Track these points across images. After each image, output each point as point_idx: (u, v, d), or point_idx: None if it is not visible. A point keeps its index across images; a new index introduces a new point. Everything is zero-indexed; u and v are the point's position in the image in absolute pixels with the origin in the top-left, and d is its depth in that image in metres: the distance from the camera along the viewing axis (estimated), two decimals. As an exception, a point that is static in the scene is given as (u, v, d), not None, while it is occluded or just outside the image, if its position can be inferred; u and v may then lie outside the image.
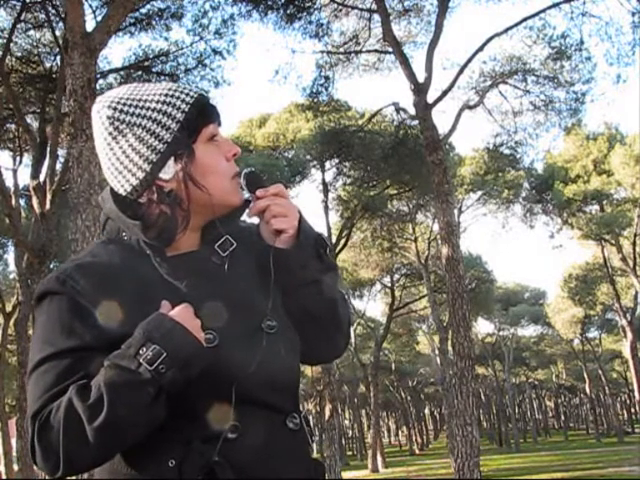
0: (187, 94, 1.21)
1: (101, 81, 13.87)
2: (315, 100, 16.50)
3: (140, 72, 14.23)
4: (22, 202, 16.42)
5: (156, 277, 1.15)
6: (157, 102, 1.19)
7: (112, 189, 1.21)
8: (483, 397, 51.33)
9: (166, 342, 1.03)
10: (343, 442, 44.64)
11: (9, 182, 15.32)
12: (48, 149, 12.52)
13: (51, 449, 1.05)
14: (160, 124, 1.17)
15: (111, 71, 14.29)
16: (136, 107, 1.19)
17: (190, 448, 1.07)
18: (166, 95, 1.20)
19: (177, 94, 1.20)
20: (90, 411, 1.01)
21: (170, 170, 1.17)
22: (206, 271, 1.20)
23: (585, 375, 43.19)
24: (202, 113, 1.20)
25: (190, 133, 1.18)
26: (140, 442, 1.07)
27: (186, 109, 1.19)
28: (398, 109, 16.38)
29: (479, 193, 24.79)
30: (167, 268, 1.16)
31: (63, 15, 11.35)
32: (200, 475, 1.06)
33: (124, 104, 1.19)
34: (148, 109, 1.18)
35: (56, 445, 1.04)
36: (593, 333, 40.77)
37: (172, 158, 1.17)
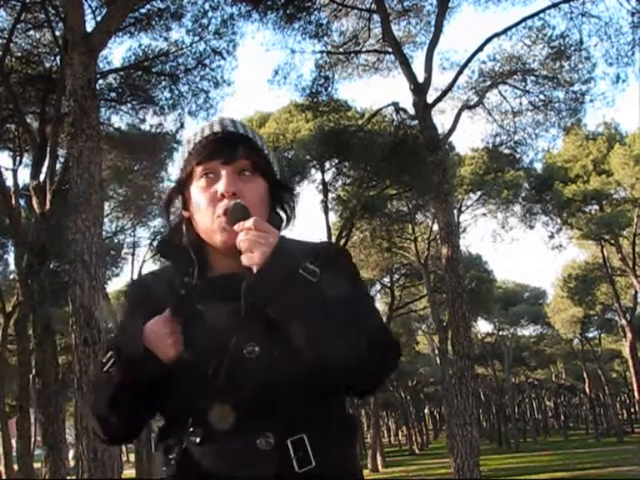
0: (201, 133, 1.32)
1: (101, 81, 13.87)
2: (315, 100, 16.47)
3: (140, 72, 14.23)
4: (22, 202, 16.39)
5: (187, 295, 1.29)
6: (187, 142, 1.35)
7: None
8: (483, 397, 51.32)
9: (122, 347, 1.23)
10: (343, 442, 44.60)
11: (9, 182, 15.35)
12: (48, 149, 12.52)
13: None
14: (182, 164, 1.34)
15: (111, 71, 14.28)
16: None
17: (170, 447, 1.24)
18: (194, 134, 1.34)
19: (197, 134, 1.33)
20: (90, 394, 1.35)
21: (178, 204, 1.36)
22: (227, 293, 1.24)
23: (585, 375, 43.21)
24: (196, 152, 1.30)
25: (187, 173, 1.31)
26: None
27: (190, 149, 1.32)
28: (398, 109, 16.38)
29: (479, 193, 24.77)
30: (201, 286, 1.28)
31: (63, 15, 11.36)
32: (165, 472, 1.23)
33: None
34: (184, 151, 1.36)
35: None
36: (593, 333, 40.79)
37: (180, 195, 1.35)
